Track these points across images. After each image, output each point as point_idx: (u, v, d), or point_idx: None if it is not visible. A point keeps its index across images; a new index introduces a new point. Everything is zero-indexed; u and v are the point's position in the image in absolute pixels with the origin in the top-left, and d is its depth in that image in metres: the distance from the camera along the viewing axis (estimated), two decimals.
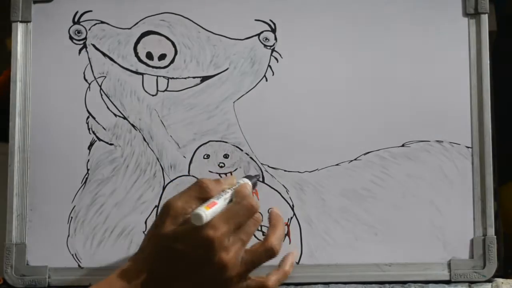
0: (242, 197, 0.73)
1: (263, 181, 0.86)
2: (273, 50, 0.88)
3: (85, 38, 0.89)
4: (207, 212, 0.69)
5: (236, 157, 0.87)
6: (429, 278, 0.84)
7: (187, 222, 0.71)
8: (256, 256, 0.73)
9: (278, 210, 0.80)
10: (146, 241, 0.73)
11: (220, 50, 0.88)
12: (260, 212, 0.78)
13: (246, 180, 0.78)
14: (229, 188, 0.75)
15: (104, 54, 0.89)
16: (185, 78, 0.88)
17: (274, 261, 0.77)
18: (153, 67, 0.88)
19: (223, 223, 0.70)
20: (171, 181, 0.87)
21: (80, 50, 0.89)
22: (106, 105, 0.88)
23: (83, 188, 0.87)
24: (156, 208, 0.86)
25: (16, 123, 0.87)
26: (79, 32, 0.89)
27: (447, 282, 0.84)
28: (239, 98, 0.88)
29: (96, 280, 0.81)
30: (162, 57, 0.88)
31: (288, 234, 0.85)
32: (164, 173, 0.87)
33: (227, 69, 0.88)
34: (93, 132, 0.88)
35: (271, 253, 0.74)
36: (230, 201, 0.73)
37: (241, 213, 0.71)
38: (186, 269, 0.70)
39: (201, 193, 0.73)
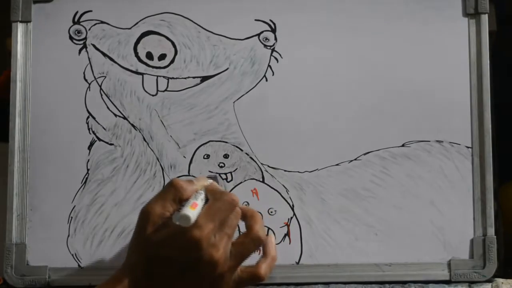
0: (220, 193, 0.72)
1: (263, 181, 0.86)
2: (273, 50, 0.88)
3: (85, 38, 0.89)
4: (193, 212, 0.68)
5: (236, 157, 0.87)
6: (429, 278, 0.84)
7: (168, 225, 0.70)
8: (244, 247, 0.72)
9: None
10: (131, 252, 0.72)
11: (220, 50, 0.88)
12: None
13: (211, 181, 0.76)
14: (200, 189, 0.73)
15: (104, 54, 0.89)
16: (185, 78, 0.88)
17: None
18: (153, 67, 0.88)
19: (208, 221, 0.69)
20: None
21: (80, 50, 0.89)
22: (106, 105, 0.88)
23: (83, 188, 0.87)
24: None
25: (16, 123, 0.87)
26: (79, 32, 0.89)
27: (447, 282, 0.84)
28: (239, 98, 0.88)
29: (96, 280, 0.81)
30: (162, 57, 0.88)
31: (288, 234, 0.85)
32: (164, 173, 0.87)
33: (227, 69, 0.88)
34: (93, 132, 0.88)
35: (258, 241, 0.73)
36: (206, 201, 0.72)
37: (223, 208, 0.71)
38: (177, 273, 0.70)
39: (176, 194, 0.72)
